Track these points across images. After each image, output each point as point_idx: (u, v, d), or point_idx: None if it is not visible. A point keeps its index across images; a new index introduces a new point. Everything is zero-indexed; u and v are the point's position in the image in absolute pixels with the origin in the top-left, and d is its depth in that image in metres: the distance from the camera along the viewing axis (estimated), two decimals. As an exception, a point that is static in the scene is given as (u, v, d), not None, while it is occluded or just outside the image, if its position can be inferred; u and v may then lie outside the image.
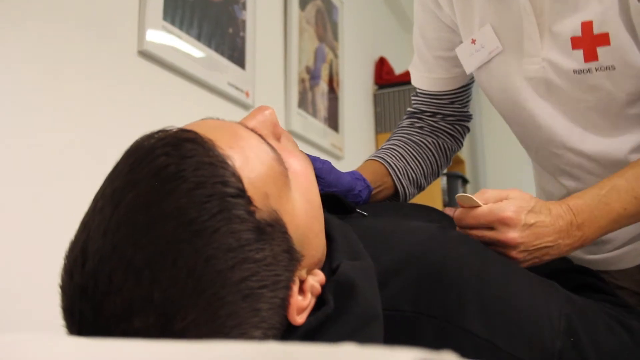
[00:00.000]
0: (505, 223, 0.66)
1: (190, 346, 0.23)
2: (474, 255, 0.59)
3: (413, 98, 1.07)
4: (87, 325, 0.43)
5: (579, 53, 0.76)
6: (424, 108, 1.04)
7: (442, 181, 2.93)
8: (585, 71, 0.77)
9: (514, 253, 0.67)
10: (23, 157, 0.99)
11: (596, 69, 0.76)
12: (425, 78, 1.02)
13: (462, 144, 1.08)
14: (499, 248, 0.67)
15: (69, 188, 1.05)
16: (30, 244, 0.98)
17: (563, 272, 0.79)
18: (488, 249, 0.63)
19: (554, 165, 0.89)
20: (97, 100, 1.17)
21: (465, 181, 3.28)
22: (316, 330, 0.50)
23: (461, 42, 0.91)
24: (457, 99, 1.03)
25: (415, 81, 1.04)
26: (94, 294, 0.42)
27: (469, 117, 1.06)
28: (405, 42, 3.61)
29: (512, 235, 0.65)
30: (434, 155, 1.01)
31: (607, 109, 0.79)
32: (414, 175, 0.97)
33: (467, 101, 1.05)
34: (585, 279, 0.77)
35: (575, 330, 0.58)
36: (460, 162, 3.46)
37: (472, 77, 1.03)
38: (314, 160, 0.78)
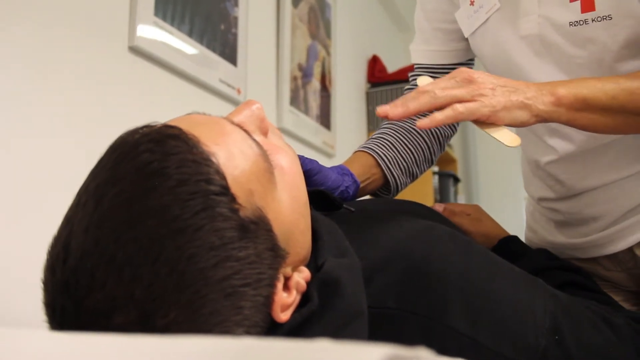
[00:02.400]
0: (467, 77, 0.68)
1: (164, 340, 0.23)
2: (459, 252, 0.60)
3: (410, 75, 1.08)
4: (69, 321, 0.43)
5: (576, 4, 0.77)
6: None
7: (433, 180, 2.93)
8: (581, 22, 0.77)
9: (479, 85, 0.67)
10: (11, 155, 0.99)
11: (592, 20, 0.77)
12: (423, 51, 1.03)
13: (455, 129, 1.08)
14: (468, 88, 0.67)
15: (59, 185, 1.05)
16: (22, 241, 0.97)
17: (548, 269, 0.80)
18: (473, 246, 0.63)
19: (545, 126, 0.88)
20: (87, 96, 1.16)
21: (456, 180, 3.30)
22: (300, 327, 0.50)
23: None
24: None
25: (414, 57, 1.05)
26: (75, 290, 0.42)
27: None
28: (398, 41, 3.61)
29: (470, 74, 0.68)
30: (425, 141, 1.00)
31: (599, 65, 0.79)
32: (405, 164, 0.97)
33: None
34: (571, 277, 0.78)
35: (559, 328, 0.58)
36: (452, 161, 3.47)
37: (471, 59, 1.04)
38: (300, 160, 0.78)
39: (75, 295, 0.42)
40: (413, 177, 1.01)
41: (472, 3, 0.89)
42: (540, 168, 0.93)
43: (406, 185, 1.00)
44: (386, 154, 0.95)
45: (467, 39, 0.98)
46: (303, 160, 0.78)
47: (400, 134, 0.98)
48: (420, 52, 1.04)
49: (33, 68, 1.05)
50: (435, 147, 1.02)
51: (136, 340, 0.25)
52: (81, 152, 1.11)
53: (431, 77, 1.02)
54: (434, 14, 1.00)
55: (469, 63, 1.04)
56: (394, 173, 0.95)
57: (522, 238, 1.00)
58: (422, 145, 1.00)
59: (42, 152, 1.04)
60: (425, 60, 1.03)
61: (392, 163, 0.95)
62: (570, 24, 0.78)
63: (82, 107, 1.15)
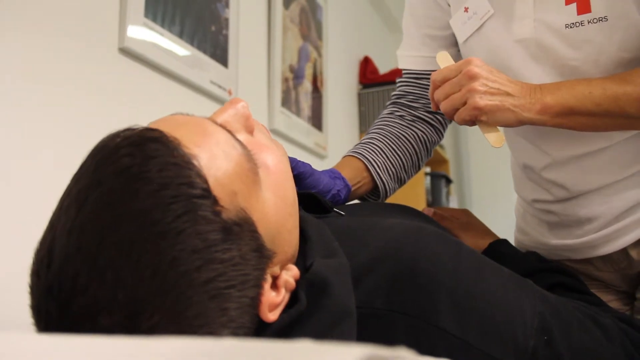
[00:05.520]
0: (469, 71, 0.76)
1: (144, 342, 0.23)
2: (449, 253, 0.59)
3: (398, 81, 1.08)
4: (54, 325, 0.42)
5: (572, 7, 0.78)
6: (408, 89, 1.05)
7: (425, 181, 2.94)
8: (577, 24, 0.78)
9: (475, 84, 0.75)
10: (3, 157, 0.98)
11: (588, 21, 0.78)
12: (411, 57, 1.03)
13: (442, 135, 1.08)
14: (463, 88, 0.76)
15: (49, 185, 1.04)
16: (4, 242, 0.96)
17: (538, 271, 0.80)
18: (463, 247, 0.63)
19: (537, 131, 0.88)
20: (76, 98, 1.16)
21: (449, 181, 3.30)
22: (288, 327, 0.50)
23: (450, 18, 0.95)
24: None
25: (402, 63, 1.05)
26: (59, 294, 0.42)
27: None
28: (390, 42, 3.62)
29: (473, 70, 0.75)
30: (413, 147, 1.01)
31: (595, 65, 0.79)
32: (393, 169, 0.97)
33: None
34: (560, 278, 0.78)
35: (549, 329, 0.58)
36: (444, 162, 3.48)
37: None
38: (293, 163, 0.78)
39: (59, 300, 0.42)
40: (401, 182, 1.01)
41: (466, 10, 0.89)
42: (536, 173, 0.93)
43: (394, 190, 1.01)
44: (375, 160, 0.95)
45: (455, 46, 0.98)
46: (296, 163, 0.79)
47: (389, 140, 0.99)
48: (408, 58, 1.03)
49: (23, 69, 1.04)
50: (422, 153, 1.03)
51: (120, 341, 0.25)
52: (72, 154, 1.11)
53: (417, 83, 1.03)
54: (424, 20, 0.99)
55: None
56: (383, 178, 0.95)
57: (512, 239, 1.00)
58: (410, 151, 1.00)
59: (33, 154, 1.04)
60: (413, 67, 1.03)
61: (381, 168, 0.95)
62: (567, 26, 0.79)
63: (72, 108, 1.14)
